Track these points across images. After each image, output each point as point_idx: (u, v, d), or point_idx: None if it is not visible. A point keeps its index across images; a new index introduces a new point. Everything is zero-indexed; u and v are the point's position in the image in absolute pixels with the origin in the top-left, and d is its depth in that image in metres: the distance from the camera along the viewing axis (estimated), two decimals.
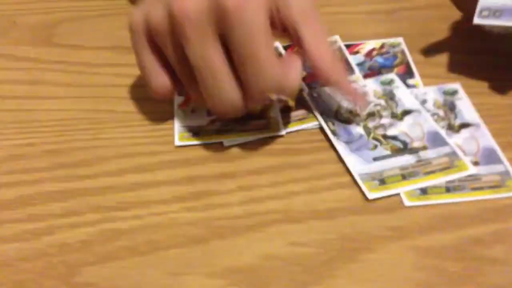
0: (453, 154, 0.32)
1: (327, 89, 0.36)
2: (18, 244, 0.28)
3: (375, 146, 0.33)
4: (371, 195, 0.30)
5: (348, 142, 0.33)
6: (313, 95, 0.36)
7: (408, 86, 0.36)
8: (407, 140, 0.33)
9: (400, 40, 0.40)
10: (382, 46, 0.40)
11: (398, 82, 0.36)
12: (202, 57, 0.29)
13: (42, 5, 0.45)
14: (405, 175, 0.31)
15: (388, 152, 0.32)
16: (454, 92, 0.36)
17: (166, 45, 0.31)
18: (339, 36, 0.40)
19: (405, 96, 0.35)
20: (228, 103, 0.31)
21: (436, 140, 0.33)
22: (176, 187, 0.31)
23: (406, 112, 0.34)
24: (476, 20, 0.34)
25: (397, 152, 0.32)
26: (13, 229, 0.29)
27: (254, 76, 0.30)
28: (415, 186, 0.30)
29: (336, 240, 0.28)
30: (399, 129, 0.33)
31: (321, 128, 0.34)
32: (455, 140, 0.33)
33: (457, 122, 0.34)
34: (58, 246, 0.28)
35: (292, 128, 0.34)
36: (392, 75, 0.37)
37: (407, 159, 0.32)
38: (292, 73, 0.31)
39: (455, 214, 0.29)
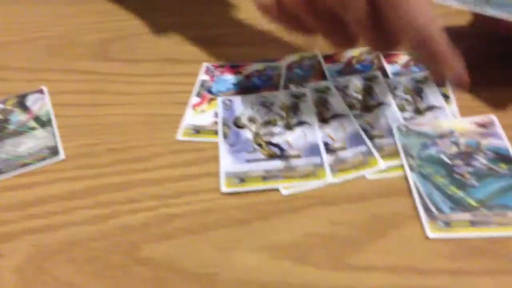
0: (320, 165, 0.33)
1: (240, 97, 0.39)
2: (88, 226, 0.32)
3: (254, 150, 0.35)
4: (225, 189, 0.33)
5: (232, 145, 0.35)
6: (225, 102, 0.39)
7: None
8: (286, 147, 0.35)
9: None
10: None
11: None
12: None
13: (95, 26, 0.50)
14: (266, 177, 0.33)
15: (263, 157, 0.34)
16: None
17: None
18: None
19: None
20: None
21: (313, 149, 0.35)
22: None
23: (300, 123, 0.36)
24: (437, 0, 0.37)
25: (271, 157, 0.34)
26: (83, 215, 0.33)
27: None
28: (270, 186, 0.33)
29: (367, 219, 0.31)
30: (284, 138, 0.35)
31: None
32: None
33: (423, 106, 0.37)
34: (122, 228, 0.32)
35: None
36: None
37: (275, 164, 0.34)
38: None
39: None
